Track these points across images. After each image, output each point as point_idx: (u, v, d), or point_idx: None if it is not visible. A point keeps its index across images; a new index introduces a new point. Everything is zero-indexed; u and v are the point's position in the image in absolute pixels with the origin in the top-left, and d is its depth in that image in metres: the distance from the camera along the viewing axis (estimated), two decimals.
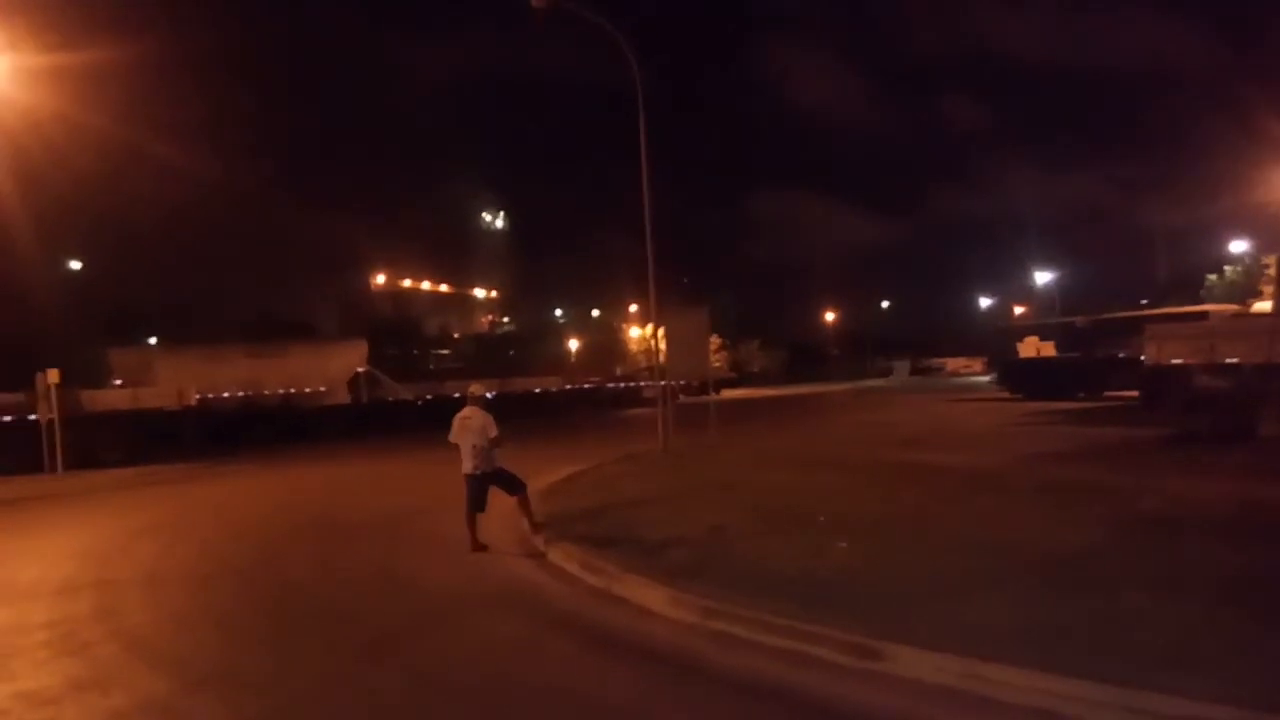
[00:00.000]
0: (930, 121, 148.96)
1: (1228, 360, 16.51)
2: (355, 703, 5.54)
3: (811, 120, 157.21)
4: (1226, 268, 46.30)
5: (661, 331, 21.34)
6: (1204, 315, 25.89)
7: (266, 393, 31.14)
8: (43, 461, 22.04)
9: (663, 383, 20.90)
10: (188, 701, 5.64)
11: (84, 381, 26.44)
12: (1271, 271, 28.01)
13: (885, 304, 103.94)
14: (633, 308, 69.64)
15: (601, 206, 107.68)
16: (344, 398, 33.55)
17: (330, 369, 33.44)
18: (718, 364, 50.59)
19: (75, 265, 54.58)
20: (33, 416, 22.63)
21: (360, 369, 34.82)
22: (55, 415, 22.13)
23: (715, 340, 52.73)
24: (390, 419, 32.16)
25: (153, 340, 46.52)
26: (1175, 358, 18.01)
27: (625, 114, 18.98)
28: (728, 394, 48.63)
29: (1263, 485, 10.52)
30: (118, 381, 28.99)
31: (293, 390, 31.78)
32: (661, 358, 21.62)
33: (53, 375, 22.13)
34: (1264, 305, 26.91)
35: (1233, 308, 28.63)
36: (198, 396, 27.52)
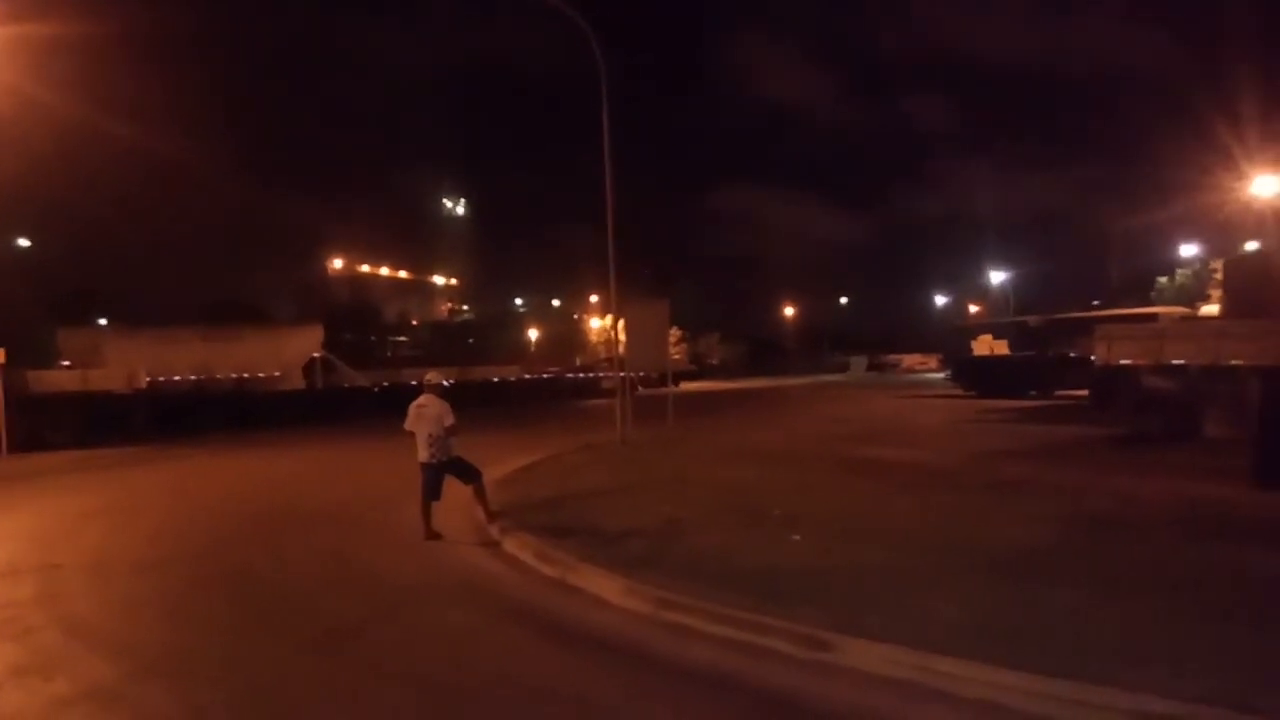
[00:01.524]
0: (893, 121, 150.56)
1: (1175, 361, 16.83)
2: (306, 691, 5.49)
3: (776, 116, 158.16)
4: (1177, 271, 47.27)
5: (622, 323, 21.33)
6: (1154, 317, 26.40)
7: (220, 377, 30.68)
8: None
9: (622, 374, 20.89)
10: (134, 688, 5.55)
11: (31, 362, 25.89)
12: (1220, 276, 28.59)
13: (844, 300, 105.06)
14: (593, 298, 69.73)
15: (564, 196, 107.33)
16: (299, 383, 33.15)
17: (285, 354, 33.01)
18: (677, 356, 50.78)
19: (24, 243, 53.36)
20: None
21: (316, 354, 34.45)
22: (0, 396, 21.63)
23: (675, 332, 52.94)
24: (346, 406, 31.82)
25: (103, 322, 45.62)
26: (1125, 358, 18.33)
27: (589, 104, 18.92)
28: (687, 386, 48.81)
29: (1207, 484, 10.76)
30: (66, 363, 28.42)
31: (246, 375, 31.35)
32: (621, 349, 21.61)
33: None
34: (1212, 309, 27.51)
35: (1182, 310, 29.24)
36: (148, 379, 27.04)
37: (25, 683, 5.64)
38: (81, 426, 23.74)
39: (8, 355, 21.90)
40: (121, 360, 27.01)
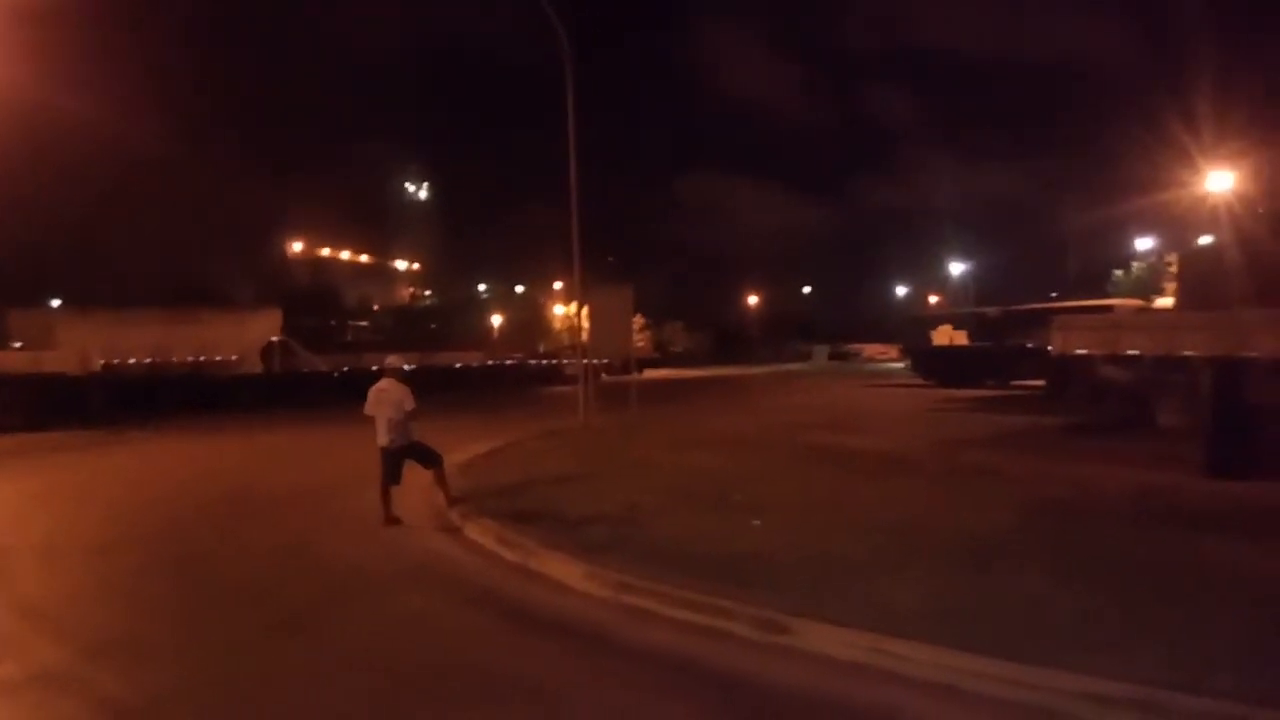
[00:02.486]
0: (856, 111, 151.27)
1: (1130, 352, 17.12)
2: (261, 675, 5.43)
3: (740, 104, 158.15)
4: (1133, 264, 48.06)
5: (585, 309, 21.28)
6: (1109, 309, 26.83)
7: (176, 360, 30.12)
8: None
9: (585, 360, 20.86)
10: (84, 672, 5.46)
11: None
12: (1175, 269, 29.11)
13: (807, 290, 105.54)
14: (557, 285, 69.47)
15: (528, 181, 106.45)
16: (257, 367, 32.66)
17: (243, 337, 32.51)
18: (641, 343, 50.77)
19: None
20: None
21: (274, 338, 33.94)
22: None
23: (639, 320, 52.94)
24: (305, 390, 31.42)
25: (56, 303, 44.68)
26: (1081, 348, 18.62)
27: (554, 89, 18.83)
28: (650, 374, 48.81)
29: (1161, 473, 10.95)
30: (17, 344, 27.79)
31: (203, 358, 30.80)
32: (585, 335, 21.57)
33: None
34: (1166, 301, 28.01)
35: (1137, 303, 29.74)
36: (103, 362, 26.55)
37: None
38: (33, 409, 23.20)
39: None
40: (75, 342, 26.45)
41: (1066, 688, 4.55)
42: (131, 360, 28.85)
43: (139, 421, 23.71)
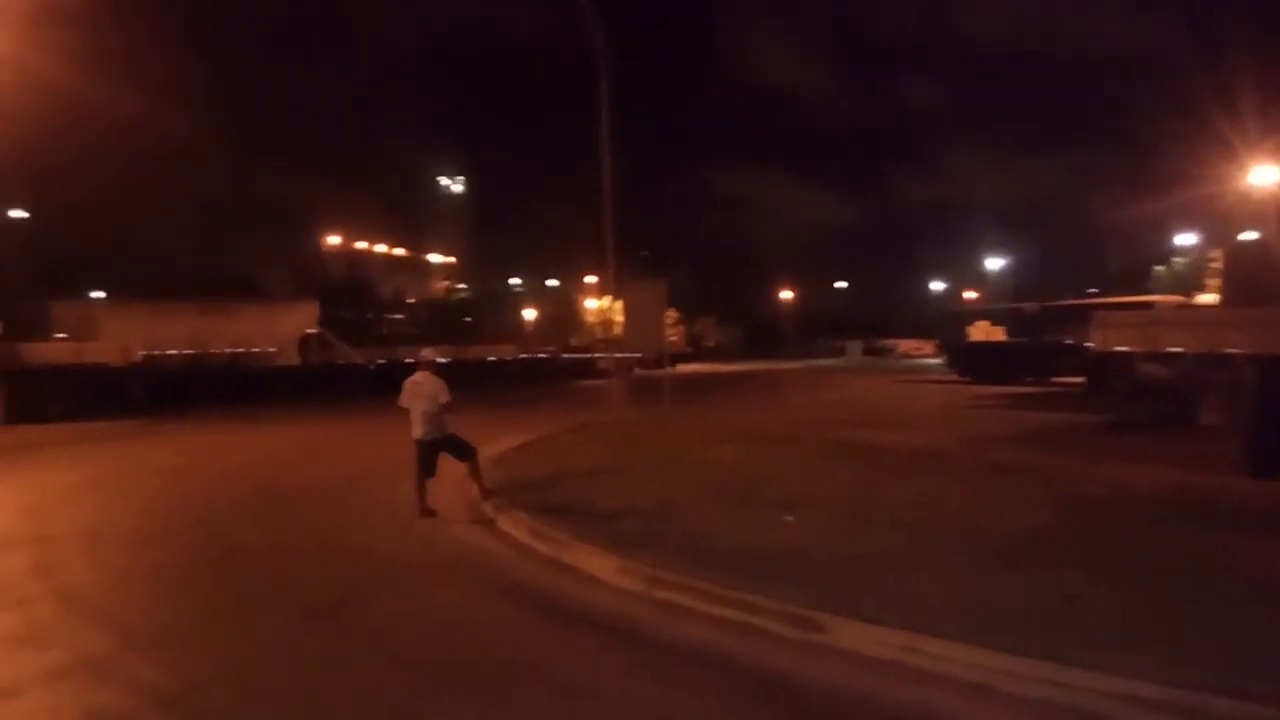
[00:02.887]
0: (893, 105, 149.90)
1: (1171, 349, 16.87)
2: (297, 664, 5.51)
3: (775, 99, 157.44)
4: (1174, 260, 47.30)
5: (619, 303, 21.29)
6: (1149, 306, 26.43)
7: (214, 352, 30.54)
8: None
9: (618, 355, 20.88)
10: (127, 660, 5.56)
11: (26, 334, 25.80)
12: (1217, 265, 28.60)
13: (841, 285, 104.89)
14: (590, 279, 69.46)
15: (562, 176, 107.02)
16: (294, 359, 33.06)
17: (281, 329, 32.90)
18: (674, 338, 50.68)
19: (20, 215, 53.03)
20: None
21: (311, 330, 34.30)
22: None
23: (672, 314, 52.84)
24: (341, 382, 31.75)
25: (99, 294, 45.42)
26: (1121, 345, 18.38)
27: (589, 83, 18.80)
28: (682, 368, 48.79)
29: (1201, 473, 10.78)
30: (61, 335, 28.30)
31: (241, 350, 31.21)
32: (617, 330, 21.58)
33: None
34: (1208, 298, 27.53)
35: (1178, 299, 29.27)
36: (143, 353, 26.99)
37: (20, 652, 5.66)
38: (75, 399, 23.67)
39: (3, 327, 21.83)
40: (116, 333, 26.93)
41: (1104, 689, 4.50)
42: (171, 352, 29.31)
43: (178, 412, 24.08)
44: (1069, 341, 27.74)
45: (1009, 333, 36.47)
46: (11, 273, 40.21)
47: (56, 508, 10.86)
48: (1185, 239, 48.67)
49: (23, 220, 52.66)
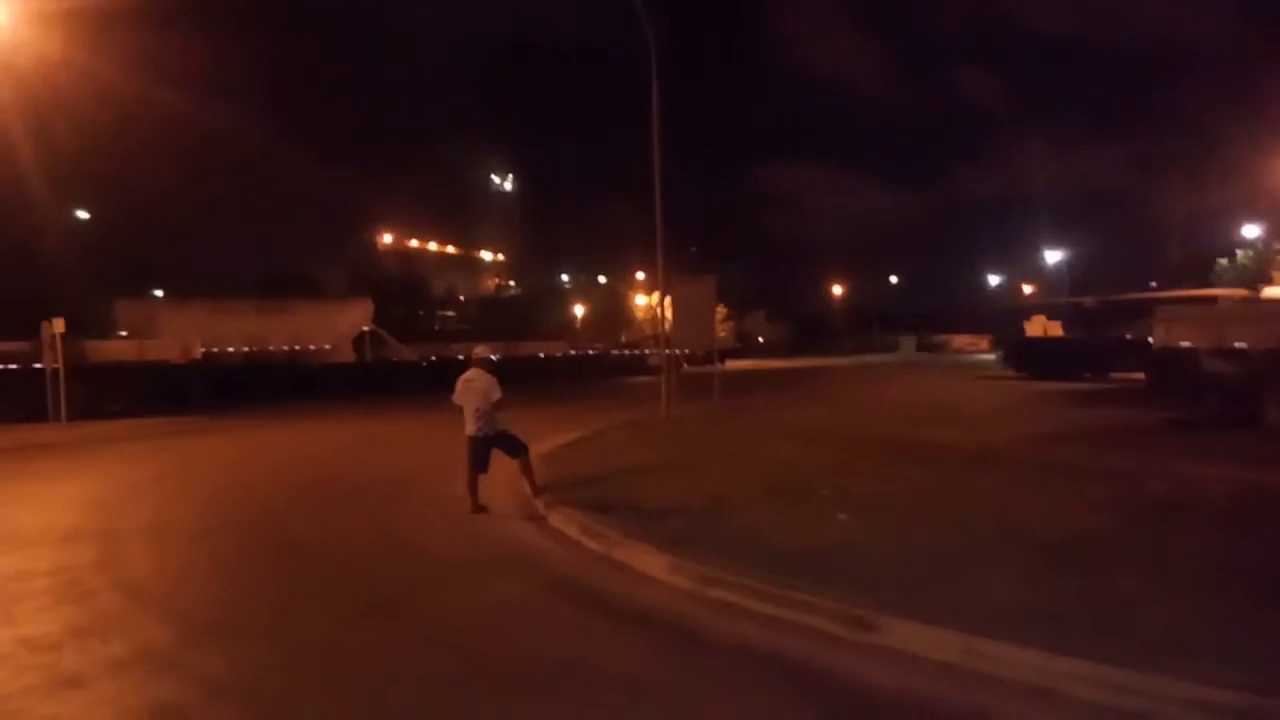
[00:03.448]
0: (947, 97, 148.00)
1: (1237, 345, 16.40)
2: (353, 656, 5.57)
3: (827, 92, 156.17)
4: (1238, 252, 46.04)
5: (668, 299, 21.27)
6: (1213, 299, 25.74)
7: (272, 349, 31.13)
8: (46, 410, 22.10)
9: (667, 351, 20.86)
10: (188, 652, 5.67)
11: (89, 332, 26.47)
12: None
13: (894, 279, 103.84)
14: (639, 275, 69.56)
15: (611, 172, 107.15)
16: (349, 356, 33.57)
17: (336, 327, 33.42)
18: (723, 334, 50.51)
19: (83, 215, 54.40)
20: (37, 365, 22.69)
21: (366, 328, 34.79)
22: (60, 364, 22.17)
23: (721, 310, 52.69)
24: (395, 379, 32.21)
25: (159, 293, 46.44)
26: (1184, 341, 17.90)
27: (639, 80, 18.79)
28: (732, 364, 48.57)
29: (1265, 471, 10.48)
30: (123, 333, 28.99)
31: (298, 347, 31.77)
32: (667, 326, 21.56)
33: (58, 324, 22.17)
34: (1274, 291, 26.75)
35: (1242, 292, 28.47)
36: (202, 350, 27.57)
37: (85, 644, 5.79)
38: (137, 396, 24.31)
39: (67, 326, 22.41)
40: (176, 331, 27.52)
41: (1167, 693, 4.37)
42: (230, 349, 29.92)
43: (236, 408, 24.60)
44: (1129, 337, 27.17)
45: (1067, 328, 35.80)
46: (75, 272, 41.22)
47: (121, 502, 11.13)
48: (1250, 230, 47.32)
49: (86, 221, 54.06)
